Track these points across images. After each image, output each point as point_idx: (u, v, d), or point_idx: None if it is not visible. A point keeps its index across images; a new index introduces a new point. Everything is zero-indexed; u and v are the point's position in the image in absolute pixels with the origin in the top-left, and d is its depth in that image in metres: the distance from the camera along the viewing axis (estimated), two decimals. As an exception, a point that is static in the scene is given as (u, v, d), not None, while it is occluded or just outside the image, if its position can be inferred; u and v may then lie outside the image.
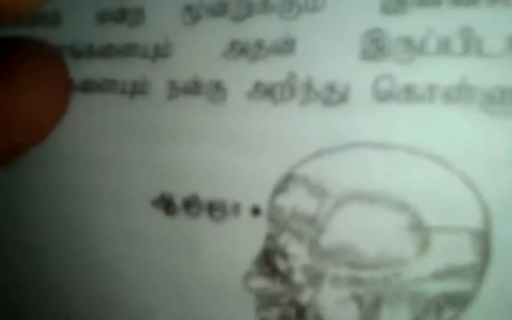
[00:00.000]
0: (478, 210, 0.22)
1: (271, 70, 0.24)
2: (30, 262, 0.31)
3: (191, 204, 0.26)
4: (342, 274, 0.23)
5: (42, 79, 0.26)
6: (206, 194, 0.26)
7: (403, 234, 0.22)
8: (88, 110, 0.28)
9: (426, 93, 0.22)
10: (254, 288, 0.25)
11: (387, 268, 0.23)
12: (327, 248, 0.24)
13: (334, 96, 0.23)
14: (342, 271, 0.23)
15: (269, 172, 0.25)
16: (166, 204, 0.27)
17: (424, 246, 0.22)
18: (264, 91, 0.24)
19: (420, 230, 0.22)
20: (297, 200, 0.24)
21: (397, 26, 0.22)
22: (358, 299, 0.23)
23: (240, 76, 0.25)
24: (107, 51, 0.27)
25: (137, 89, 0.27)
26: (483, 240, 0.22)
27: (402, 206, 0.22)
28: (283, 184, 0.24)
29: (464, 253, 0.22)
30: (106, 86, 0.27)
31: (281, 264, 0.25)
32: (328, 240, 0.24)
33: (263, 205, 0.25)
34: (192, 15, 0.26)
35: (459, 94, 0.22)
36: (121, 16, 0.27)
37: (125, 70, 0.27)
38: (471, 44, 0.22)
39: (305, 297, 0.24)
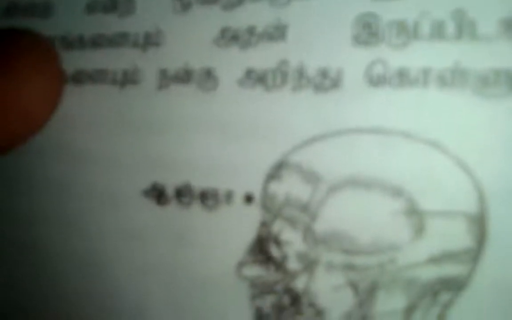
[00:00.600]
0: (473, 194, 0.22)
1: (262, 57, 0.24)
2: (22, 259, 0.31)
3: (183, 193, 0.26)
4: (337, 261, 0.23)
5: (40, 71, 0.26)
6: (198, 182, 0.26)
7: (398, 219, 0.22)
8: (79, 101, 0.28)
9: (420, 77, 0.22)
10: (247, 276, 0.25)
11: (382, 253, 0.23)
12: (321, 235, 0.23)
13: (327, 82, 0.23)
14: (337, 258, 0.23)
15: (261, 159, 0.24)
16: (158, 194, 0.26)
17: (419, 231, 0.22)
18: (256, 78, 0.24)
19: (415, 215, 0.22)
20: (290, 187, 0.24)
21: (389, 10, 0.22)
22: (353, 286, 0.23)
23: (231, 63, 0.25)
24: (98, 41, 0.27)
25: (128, 79, 0.27)
26: (478, 224, 0.22)
27: (397, 191, 0.22)
28: (276, 171, 0.24)
29: (459, 237, 0.22)
30: (97, 76, 0.27)
31: (275, 252, 0.24)
32: (322, 226, 0.23)
33: (256, 192, 0.25)
34: (183, 3, 0.26)
35: (453, 77, 0.22)
36: (111, 5, 0.27)
37: (115, 60, 0.27)
38: (464, 27, 0.21)
39: (299, 284, 0.24)
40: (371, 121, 0.23)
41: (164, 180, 0.26)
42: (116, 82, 0.27)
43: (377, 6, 0.22)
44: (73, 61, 0.27)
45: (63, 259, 0.29)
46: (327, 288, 0.24)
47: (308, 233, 0.24)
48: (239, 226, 0.25)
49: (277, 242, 0.24)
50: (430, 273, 0.22)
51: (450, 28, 0.22)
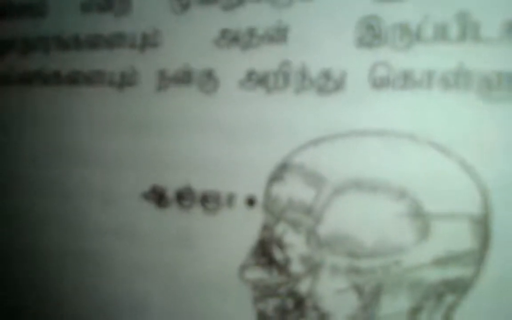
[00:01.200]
0: (477, 196, 0.22)
1: (264, 59, 0.24)
2: (21, 260, 0.30)
3: (184, 196, 0.26)
4: (341, 264, 0.23)
5: None
6: (199, 185, 0.25)
7: (403, 221, 0.22)
8: (75, 103, 0.27)
9: (424, 79, 0.22)
10: (250, 279, 0.25)
11: (387, 256, 0.23)
12: (325, 237, 0.23)
13: (330, 84, 0.23)
14: (341, 261, 0.23)
15: (264, 161, 0.24)
16: (157, 196, 0.26)
17: (423, 233, 0.22)
18: (257, 80, 0.24)
19: (420, 217, 0.22)
20: (293, 189, 0.24)
21: (393, 13, 0.22)
22: (357, 289, 0.23)
23: (232, 65, 0.25)
24: (94, 42, 0.27)
25: (126, 80, 0.26)
26: (483, 226, 0.22)
27: (401, 193, 0.22)
28: (279, 174, 0.24)
29: (463, 239, 0.22)
30: (93, 77, 0.27)
31: (278, 255, 0.24)
32: (326, 229, 0.23)
33: (258, 195, 0.24)
34: (181, 3, 0.25)
35: (456, 79, 0.22)
36: (107, 5, 0.26)
37: (112, 61, 0.26)
38: (468, 29, 0.21)
39: (303, 287, 0.24)
40: (375, 124, 0.23)
41: (164, 183, 0.26)
42: (113, 83, 0.26)
43: (381, 9, 0.22)
44: (68, 61, 0.27)
45: (63, 259, 0.29)
46: (331, 291, 0.24)
47: (311, 236, 0.23)
48: (241, 229, 0.25)
49: (280, 245, 0.24)
50: (434, 275, 0.22)
51: (454, 30, 0.22)
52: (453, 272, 0.22)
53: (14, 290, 0.31)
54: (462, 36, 0.22)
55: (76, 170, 0.28)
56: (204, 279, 0.26)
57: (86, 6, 0.27)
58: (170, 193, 0.26)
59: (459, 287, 0.23)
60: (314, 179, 0.23)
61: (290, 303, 0.24)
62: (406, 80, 0.22)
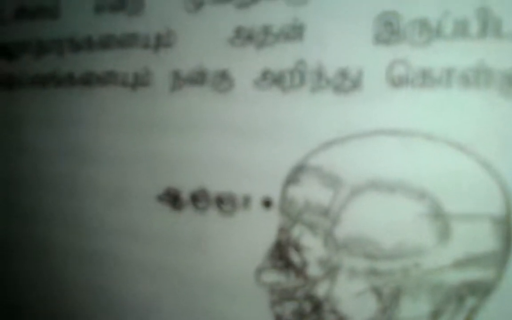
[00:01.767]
0: (499, 196, 0.21)
1: (279, 57, 0.24)
2: (33, 261, 0.30)
3: (198, 198, 0.25)
4: (359, 266, 0.23)
5: None
6: (214, 187, 0.25)
7: (422, 222, 0.22)
8: (89, 103, 0.27)
9: (443, 77, 0.21)
10: (267, 283, 0.24)
11: (406, 258, 0.22)
12: (343, 240, 0.23)
13: (347, 83, 0.23)
14: (359, 263, 0.23)
15: (280, 163, 0.24)
16: (172, 199, 0.26)
17: (444, 234, 0.22)
18: (273, 79, 0.24)
19: (440, 218, 0.22)
20: (310, 191, 0.23)
21: (411, 9, 0.22)
22: (376, 291, 0.23)
23: (247, 64, 0.24)
24: (107, 42, 0.26)
25: (139, 81, 0.26)
26: (505, 226, 0.21)
27: (420, 194, 0.22)
28: (295, 175, 0.24)
29: (485, 240, 0.22)
30: (107, 78, 0.27)
31: (295, 257, 0.24)
32: (343, 231, 0.23)
33: (275, 197, 0.24)
34: (195, 1, 0.25)
35: (477, 77, 0.21)
36: (120, 5, 0.26)
37: (126, 62, 0.26)
38: (488, 25, 0.21)
39: (321, 290, 0.24)
40: (393, 123, 0.22)
41: (178, 185, 0.26)
42: (127, 84, 0.26)
43: (399, 5, 0.22)
44: (82, 63, 0.27)
45: (72, 258, 0.29)
46: (350, 294, 0.23)
47: (329, 238, 0.23)
48: (257, 232, 0.25)
49: (297, 248, 0.24)
50: (455, 277, 0.22)
51: (474, 26, 0.21)
52: (474, 274, 0.22)
53: (24, 288, 0.31)
54: (483, 33, 0.21)
55: (89, 171, 0.28)
56: (220, 282, 0.26)
57: (99, 6, 0.27)
58: (185, 195, 0.26)
59: (481, 290, 0.22)
60: (331, 180, 0.23)
61: (307, 307, 0.24)
62: (425, 78, 0.22)
